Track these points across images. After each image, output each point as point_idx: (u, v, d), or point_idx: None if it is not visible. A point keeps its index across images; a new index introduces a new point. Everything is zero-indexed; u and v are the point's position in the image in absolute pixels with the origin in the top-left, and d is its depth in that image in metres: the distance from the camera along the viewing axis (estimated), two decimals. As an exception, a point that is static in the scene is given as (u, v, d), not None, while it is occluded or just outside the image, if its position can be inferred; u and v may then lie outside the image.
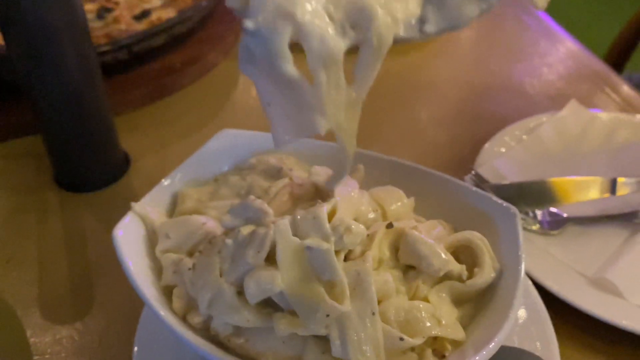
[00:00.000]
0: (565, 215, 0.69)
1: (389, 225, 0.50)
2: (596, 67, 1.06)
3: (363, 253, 0.46)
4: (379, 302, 0.44)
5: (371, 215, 0.51)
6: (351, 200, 0.50)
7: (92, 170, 0.82)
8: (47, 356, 0.59)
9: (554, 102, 0.96)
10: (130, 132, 0.89)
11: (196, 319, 0.46)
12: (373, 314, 0.43)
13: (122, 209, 0.54)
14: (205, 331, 0.47)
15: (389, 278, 0.45)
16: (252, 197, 0.51)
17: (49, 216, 0.77)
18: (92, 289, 0.67)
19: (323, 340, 0.44)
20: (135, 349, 0.55)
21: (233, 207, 0.51)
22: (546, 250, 0.66)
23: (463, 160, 0.82)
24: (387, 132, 0.89)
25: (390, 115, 0.94)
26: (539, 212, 0.69)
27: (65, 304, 0.65)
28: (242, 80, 1.05)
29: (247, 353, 0.45)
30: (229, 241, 0.47)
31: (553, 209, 0.70)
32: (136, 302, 0.60)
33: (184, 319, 0.48)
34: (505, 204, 0.53)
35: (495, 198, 0.54)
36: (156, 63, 0.99)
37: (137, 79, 0.96)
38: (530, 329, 0.56)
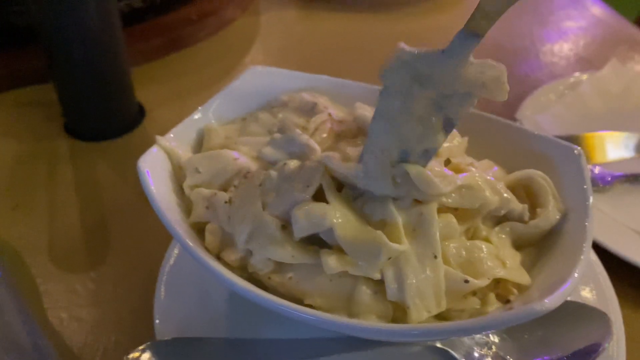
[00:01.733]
0: (617, 172, 0.65)
1: (447, 162, 0.45)
2: (629, 30, 1.01)
3: None
4: (443, 244, 0.40)
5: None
6: None
7: (105, 119, 0.77)
8: (60, 304, 0.55)
9: (589, 64, 0.91)
10: (145, 83, 0.84)
11: (233, 256, 0.42)
12: (435, 257, 0.38)
13: (136, 159, 0.48)
14: (242, 270, 0.42)
15: (452, 219, 0.41)
16: (298, 130, 0.47)
17: (59, 164, 0.72)
18: (107, 238, 0.62)
19: (375, 280, 0.39)
20: (156, 299, 0.50)
21: (275, 139, 0.47)
22: (597, 207, 0.61)
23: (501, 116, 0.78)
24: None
25: None
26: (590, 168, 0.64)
27: (77, 253, 0.60)
28: (260, 36, 1.00)
29: (290, 291, 0.40)
30: (273, 173, 0.43)
31: (601, 166, 0.65)
32: (155, 249, 0.56)
33: (217, 257, 0.43)
34: (568, 144, 0.48)
35: (556, 139, 0.49)
36: (172, 14, 0.94)
37: (152, 29, 0.91)
38: (588, 285, 0.52)
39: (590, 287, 0.52)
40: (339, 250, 0.39)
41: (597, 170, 0.64)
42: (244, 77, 0.57)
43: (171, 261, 0.53)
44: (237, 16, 1.00)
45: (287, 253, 0.40)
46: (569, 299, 0.49)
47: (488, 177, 0.44)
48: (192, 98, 0.84)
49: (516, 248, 0.44)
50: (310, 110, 0.54)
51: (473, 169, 0.44)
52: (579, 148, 0.47)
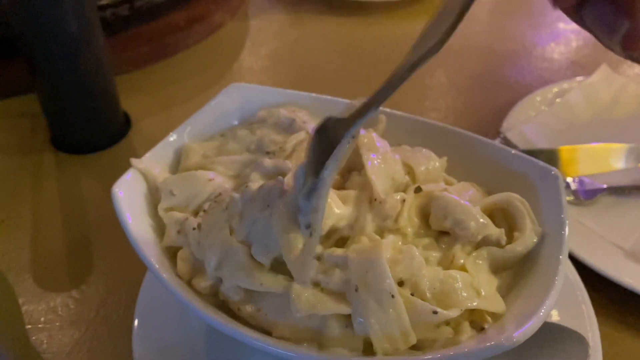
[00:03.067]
0: (601, 185, 0.64)
1: (417, 190, 0.45)
2: (624, 34, 1.00)
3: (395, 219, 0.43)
4: (410, 277, 0.39)
5: (404, 180, 0.46)
6: (385, 164, 0.45)
7: (91, 131, 0.77)
8: (40, 325, 0.55)
9: (581, 68, 0.91)
10: (132, 92, 0.84)
11: (203, 284, 0.42)
12: (392, 296, 0.38)
13: (122, 172, 0.49)
14: (213, 297, 0.42)
15: (415, 253, 0.40)
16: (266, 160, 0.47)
17: (45, 178, 0.72)
18: (90, 255, 0.62)
19: (346, 314, 0.39)
20: (136, 321, 0.50)
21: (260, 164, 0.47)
22: (580, 221, 0.61)
23: (485, 127, 0.77)
24: (405, 98, 0.83)
25: (408, 81, 0.88)
26: (572, 182, 0.64)
27: (60, 271, 0.60)
28: (250, 42, 0.99)
29: (259, 323, 0.40)
30: (236, 196, 0.42)
31: (586, 178, 0.65)
32: (137, 269, 0.56)
33: (189, 283, 0.43)
34: (545, 165, 0.48)
35: (534, 159, 0.49)
36: (159, 21, 0.93)
37: (139, 37, 0.90)
38: (566, 303, 0.51)
39: (569, 305, 0.51)
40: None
41: (580, 183, 0.64)
42: (222, 95, 0.57)
43: (150, 284, 0.53)
44: (226, 21, 1.00)
45: (255, 281, 0.40)
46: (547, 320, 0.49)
47: (463, 202, 0.43)
48: (180, 107, 0.84)
49: (494, 271, 0.44)
50: (289, 126, 0.54)
51: (446, 194, 0.44)
52: (556, 169, 0.47)
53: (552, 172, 0.47)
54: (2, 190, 0.70)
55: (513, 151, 0.51)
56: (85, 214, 0.67)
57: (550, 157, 0.67)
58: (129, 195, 0.47)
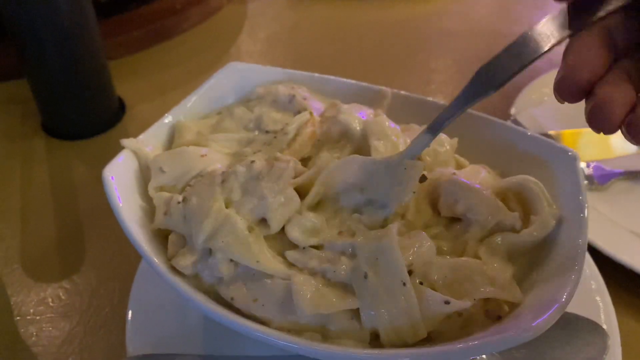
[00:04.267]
0: (614, 170, 0.62)
1: (422, 179, 0.42)
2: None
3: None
4: (420, 265, 0.37)
5: None
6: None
7: (83, 117, 0.74)
8: (29, 317, 0.52)
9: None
10: (126, 77, 0.81)
11: (184, 261, 0.39)
12: (404, 284, 0.35)
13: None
14: (195, 279, 0.40)
15: (425, 238, 0.38)
16: None
17: (35, 165, 0.69)
18: (83, 243, 0.59)
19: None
20: (130, 312, 0.48)
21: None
22: (593, 207, 0.58)
23: (493, 110, 0.74)
24: (411, 81, 0.81)
25: (413, 63, 0.86)
26: (585, 166, 0.61)
27: (51, 260, 0.58)
28: (248, 25, 0.96)
29: (255, 315, 0.37)
30: (241, 169, 0.40)
31: (598, 163, 0.62)
32: (132, 257, 0.54)
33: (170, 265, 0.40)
34: (563, 146, 0.45)
35: (550, 140, 0.46)
36: (155, 4, 0.90)
37: (135, 20, 0.87)
38: (583, 292, 0.49)
39: (585, 294, 0.49)
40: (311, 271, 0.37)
41: (595, 168, 0.61)
42: (219, 74, 0.54)
43: (145, 272, 0.50)
44: (223, 4, 0.97)
45: (252, 256, 0.37)
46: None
47: (474, 186, 0.41)
48: (176, 91, 0.81)
49: (509, 258, 0.41)
50: (288, 103, 0.51)
51: (455, 178, 0.41)
52: (573, 151, 0.44)
53: (570, 154, 0.44)
54: (-9, 177, 0.68)
55: (529, 132, 0.48)
56: (77, 202, 0.64)
57: (565, 140, 0.64)
58: (120, 178, 0.44)
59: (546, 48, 0.37)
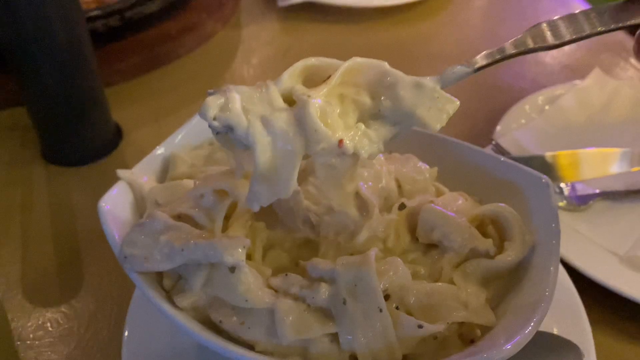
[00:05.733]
0: (594, 190, 0.64)
1: (401, 207, 0.45)
2: (617, 36, 1.00)
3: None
4: (396, 290, 0.39)
5: (396, 199, 0.46)
6: (378, 183, 0.46)
7: (81, 143, 0.76)
8: (29, 342, 0.54)
9: (574, 72, 0.90)
10: (123, 103, 0.83)
11: (185, 302, 0.41)
12: (380, 310, 0.37)
13: (113, 184, 0.49)
14: (196, 312, 0.42)
15: (399, 264, 0.40)
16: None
17: (35, 192, 0.71)
18: (80, 268, 0.62)
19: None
20: (126, 333, 0.50)
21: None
22: (574, 228, 0.60)
23: (479, 133, 0.77)
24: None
25: None
26: (565, 187, 0.64)
27: (50, 285, 0.60)
28: (242, 50, 0.99)
29: (242, 337, 0.39)
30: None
31: (579, 184, 0.65)
32: (128, 282, 0.55)
33: (171, 300, 0.42)
34: (536, 173, 0.47)
35: (524, 167, 0.48)
36: (150, 31, 0.92)
37: (130, 47, 0.90)
38: (560, 312, 0.51)
39: (563, 313, 0.51)
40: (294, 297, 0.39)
41: (574, 189, 0.63)
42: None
43: (141, 296, 0.52)
44: (218, 30, 0.99)
45: (240, 298, 0.39)
46: (540, 328, 0.48)
47: (449, 214, 0.43)
48: (172, 117, 0.83)
49: (484, 282, 0.43)
50: None
51: (432, 206, 0.43)
52: (546, 177, 0.47)
53: (543, 180, 0.46)
54: (-8, 204, 0.70)
55: (502, 158, 0.50)
56: (76, 228, 0.66)
57: (544, 162, 0.66)
58: (115, 209, 0.47)
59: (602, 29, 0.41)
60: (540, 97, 0.78)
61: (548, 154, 0.66)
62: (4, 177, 0.74)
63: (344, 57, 0.42)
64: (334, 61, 0.42)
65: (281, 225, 0.45)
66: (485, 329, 0.40)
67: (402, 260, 0.42)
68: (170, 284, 0.42)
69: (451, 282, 0.42)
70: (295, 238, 0.45)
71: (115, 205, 0.47)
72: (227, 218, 0.44)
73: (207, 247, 0.39)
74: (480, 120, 0.80)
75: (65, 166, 0.75)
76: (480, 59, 0.41)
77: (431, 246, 0.44)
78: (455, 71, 0.41)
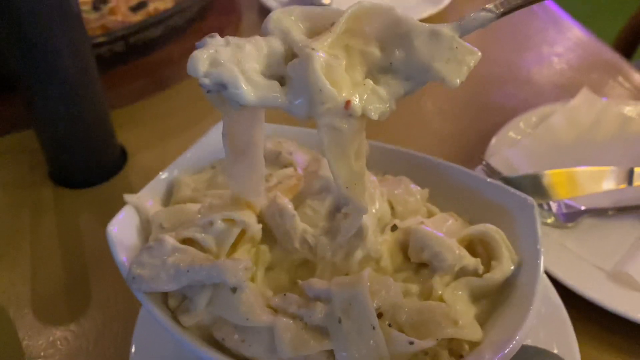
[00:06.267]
0: (581, 207, 0.66)
1: (393, 228, 0.47)
2: (606, 55, 1.03)
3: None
4: (389, 309, 0.41)
5: (389, 219, 0.49)
6: (372, 205, 0.48)
7: (88, 165, 0.79)
8: (40, 359, 0.57)
9: (565, 91, 0.93)
10: (128, 125, 0.86)
11: (189, 321, 0.43)
12: (373, 327, 0.40)
13: (119, 205, 0.52)
14: (200, 330, 0.44)
15: (391, 283, 0.42)
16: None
17: (43, 213, 0.74)
18: (88, 288, 0.64)
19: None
20: (132, 349, 0.52)
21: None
22: (562, 244, 0.63)
23: (471, 152, 0.79)
24: (392, 124, 0.85)
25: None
26: (553, 204, 0.66)
27: (59, 304, 0.62)
28: (242, 72, 1.01)
29: (243, 354, 0.42)
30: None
31: (568, 201, 0.67)
32: (134, 300, 0.58)
33: (175, 318, 0.45)
34: (521, 195, 0.50)
35: (511, 189, 0.51)
36: (154, 55, 0.96)
37: (135, 71, 0.93)
38: (548, 326, 0.53)
39: (551, 327, 0.53)
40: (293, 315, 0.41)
41: (562, 207, 0.66)
42: (213, 132, 0.59)
43: (145, 315, 0.55)
44: (219, 53, 1.02)
45: (242, 317, 0.41)
46: (528, 342, 0.51)
47: (439, 235, 0.45)
48: (175, 138, 0.86)
49: (473, 300, 0.46)
50: (275, 159, 0.56)
51: (422, 228, 0.46)
52: (531, 199, 0.49)
53: (528, 202, 0.49)
54: (2, 226, 0.72)
55: (489, 180, 0.53)
56: (83, 248, 0.69)
57: (534, 181, 0.69)
58: (122, 232, 0.49)
59: None
60: (530, 117, 0.80)
61: (538, 173, 0.69)
62: (14, 198, 0.76)
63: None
64: (337, 10, 0.38)
65: (280, 247, 0.47)
66: (473, 344, 0.42)
67: (395, 279, 0.45)
68: (175, 303, 0.45)
69: (441, 299, 0.44)
70: (293, 259, 0.47)
71: (122, 228, 0.49)
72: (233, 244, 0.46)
73: (212, 269, 0.42)
74: (472, 139, 0.83)
75: (72, 188, 0.78)
76: (503, 3, 0.37)
77: (422, 265, 0.47)
78: (477, 17, 0.37)
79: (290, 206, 0.46)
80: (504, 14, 0.37)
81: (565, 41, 1.07)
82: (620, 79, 0.95)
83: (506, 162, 0.72)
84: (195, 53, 0.36)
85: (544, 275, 0.57)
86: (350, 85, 0.36)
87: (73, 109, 0.74)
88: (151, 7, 0.99)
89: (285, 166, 0.55)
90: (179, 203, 0.53)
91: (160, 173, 0.55)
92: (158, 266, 0.44)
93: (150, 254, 0.45)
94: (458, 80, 0.36)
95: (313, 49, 0.35)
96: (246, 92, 0.36)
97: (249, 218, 0.44)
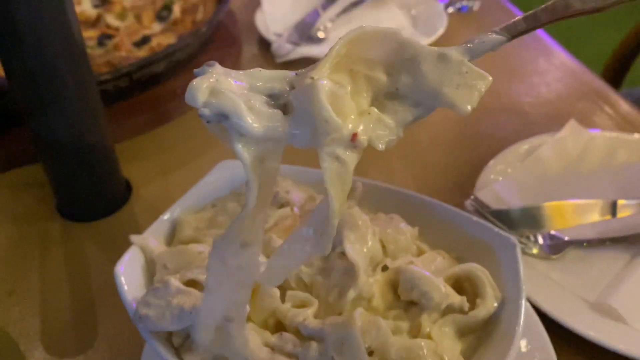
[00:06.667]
0: (566, 238, 0.69)
1: (384, 268, 0.50)
2: (595, 84, 1.06)
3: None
4: (379, 347, 0.44)
5: (380, 258, 0.52)
6: (364, 244, 0.51)
7: (94, 199, 0.82)
8: (50, 392, 0.59)
9: (554, 121, 0.96)
10: (132, 159, 0.89)
11: (195, 357, 0.46)
12: None
13: (125, 238, 0.55)
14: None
15: (381, 323, 0.45)
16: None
17: (52, 246, 0.77)
18: (95, 321, 0.67)
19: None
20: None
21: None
22: (547, 275, 0.65)
23: (464, 183, 0.82)
24: (386, 156, 0.89)
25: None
26: (539, 236, 0.69)
27: (68, 338, 0.65)
28: (242, 104, 1.05)
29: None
30: None
31: (554, 233, 0.70)
32: (139, 335, 0.61)
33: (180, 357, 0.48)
34: (504, 234, 0.53)
35: (495, 228, 0.54)
36: (157, 89, 0.99)
37: (138, 105, 0.96)
38: (533, 356, 0.56)
39: (535, 357, 0.56)
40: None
41: (547, 238, 0.69)
42: (213, 173, 0.62)
43: (150, 351, 0.57)
44: (220, 86, 1.06)
45: (242, 357, 0.44)
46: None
47: (427, 274, 0.48)
48: (179, 171, 0.89)
49: (460, 336, 0.49)
50: (272, 199, 0.59)
51: (411, 267, 0.49)
52: (514, 238, 0.52)
53: (511, 241, 0.52)
54: (12, 259, 0.75)
55: (475, 218, 0.56)
56: (90, 281, 0.72)
57: (522, 214, 0.72)
58: (129, 273, 0.52)
59: None
60: (518, 149, 0.84)
61: (526, 206, 0.72)
62: (22, 232, 0.79)
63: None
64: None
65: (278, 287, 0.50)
66: (460, 380, 0.45)
67: (386, 316, 0.48)
68: (179, 341, 0.48)
69: (429, 336, 0.47)
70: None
71: (129, 269, 0.52)
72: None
73: (213, 310, 0.45)
74: (464, 170, 0.86)
75: (79, 221, 0.81)
76: (516, 25, 0.36)
77: (412, 303, 0.50)
78: (487, 40, 0.36)
79: (285, 249, 0.49)
80: (513, 37, 0.36)
81: (555, 71, 1.10)
82: (607, 108, 0.99)
83: (495, 195, 0.75)
84: (194, 82, 0.34)
85: (529, 306, 0.60)
86: (355, 114, 0.35)
87: (79, 144, 0.77)
88: (154, 42, 1.03)
89: (282, 205, 0.58)
90: (182, 243, 0.56)
91: (164, 213, 0.58)
92: (163, 307, 0.47)
93: (156, 295, 0.48)
94: (469, 107, 0.35)
95: (312, 78, 0.34)
96: (250, 123, 0.34)
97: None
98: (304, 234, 0.37)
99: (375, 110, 0.36)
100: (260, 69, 0.37)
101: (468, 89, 0.35)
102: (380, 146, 0.35)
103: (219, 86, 0.34)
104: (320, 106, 0.33)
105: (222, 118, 0.34)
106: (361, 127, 0.35)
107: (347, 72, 0.36)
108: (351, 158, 0.35)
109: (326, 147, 0.34)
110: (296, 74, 0.36)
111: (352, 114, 0.35)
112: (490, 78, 0.36)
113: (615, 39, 1.51)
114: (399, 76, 0.36)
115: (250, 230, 0.39)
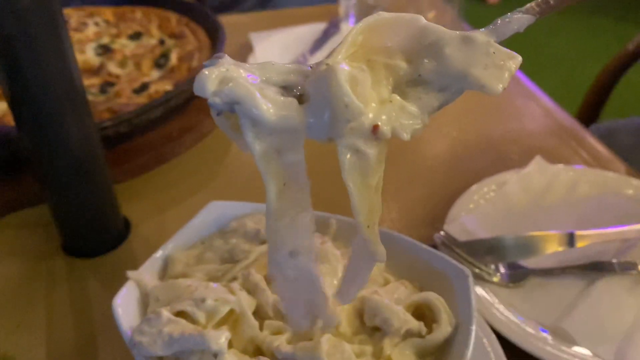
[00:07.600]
0: (528, 267, 0.76)
1: None
2: (566, 122, 1.13)
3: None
4: None
5: None
6: (335, 277, 0.57)
7: (96, 236, 0.89)
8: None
9: (525, 156, 1.02)
10: (131, 198, 0.96)
11: None
12: None
13: (123, 273, 0.62)
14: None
15: (345, 348, 0.51)
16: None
17: (57, 282, 0.83)
18: (97, 351, 0.73)
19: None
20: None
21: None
22: (509, 302, 0.72)
23: (437, 216, 0.89)
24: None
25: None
26: (501, 266, 0.75)
27: (72, 366, 0.71)
28: (234, 145, 1.12)
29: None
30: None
31: (517, 262, 0.76)
32: (135, 361, 0.67)
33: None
34: (459, 265, 0.59)
35: (451, 260, 0.60)
36: (155, 133, 1.06)
37: (137, 148, 1.04)
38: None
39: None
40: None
41: (507, 267, 0.75)
42: (203, 213, 0.69)
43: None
44: (213, 128, 1.13)
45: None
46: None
47: (389, 303, 0.55)
48: (175, 209, 0.96)
49: (419, 357, 0.55)
50: (254, 236, 0.66)
51: (375, 297, 0.55)
52: (467, 270, 0.58)
53: (464, 272, 0.58)
54: (20, 295, 0.82)
55: (434, 251, 0.62)
56: (92, 313, 0.78)
57: (487, 245, 0.78)
58: (125, 305, 0.59)
59: None
60: (487, 184, 0.90)
61: (491, 238, 0.79)
62: (29, 269, 0.86)
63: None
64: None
65: (257, 315, 0.56)
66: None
67: (352, 341, 0.55)
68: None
69: (390, 358, 0.53)
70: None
71: (125, 302, 0.59)
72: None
73: (197, 337, 0.51)
74: (438, 203, 0.92)
75: (82, 258, 0.87)
76: (541, 3, 0.35)
77: (375, 329, 0.56)
78: (512, 20, 0.35)
79: (262, 283, 0.56)
80: (541, 14, 0.35)
81: (529, 110, 1.18)
82: (574, 144, 1.06)
83: (463, 228, 0.81)
84: (204, 71, 0.33)
85: (490, 330, 0.66)
86: (377, 102, 0.33)
87: (81, 185, 0.84)
88: (152, 89, 1.11)
89: (264, 242, 0.65)
90: (173, 277, 0.63)
91: (156, 252, 0.65)
92: (155, 334, 0.53)
93: (149, 324, 0.54)
94: (501, 86, 0.34)
95: (327, 64, 0.32)
96: (265, 110, 0.33)
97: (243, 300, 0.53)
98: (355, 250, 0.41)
99: (398, 97, 0.34)
100: (273, 62, 0.36)
101: (497, 69, 0.34)
102: (405, 135, 0.34)
103: (229, 74, 0.33)
104: (340, 90, 0.31)
105: (234, 107, 0.32)
106: (383, 117, 0.33)
107: (364, 63, 0.34)
108: (373, 151, 0.34)
109: (345, 139, 0.33)
110: (310, 67, 0.35)
111: (373, 100, 0.33)
112: (520, 57, 0.34)
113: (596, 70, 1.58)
114: (421, 62, 0.34)
115: (295, 236, 0.38)
